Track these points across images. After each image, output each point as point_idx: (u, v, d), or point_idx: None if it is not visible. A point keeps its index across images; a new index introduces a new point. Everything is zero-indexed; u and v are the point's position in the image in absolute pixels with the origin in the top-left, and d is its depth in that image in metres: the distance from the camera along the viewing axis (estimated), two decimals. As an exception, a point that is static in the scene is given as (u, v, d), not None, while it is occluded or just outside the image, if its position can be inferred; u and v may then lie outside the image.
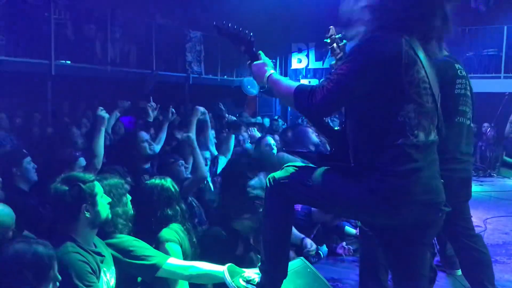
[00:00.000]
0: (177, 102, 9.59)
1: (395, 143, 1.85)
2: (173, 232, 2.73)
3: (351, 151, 1.98)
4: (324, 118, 2.27)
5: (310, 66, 14.34)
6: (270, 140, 5.00)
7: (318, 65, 14.12)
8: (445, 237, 3.35)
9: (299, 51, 14.42)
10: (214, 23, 2.30)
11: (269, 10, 10.99)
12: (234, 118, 7.86)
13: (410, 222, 1.95)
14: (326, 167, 2.05)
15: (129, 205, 2.63)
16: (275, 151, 4.74)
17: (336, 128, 2.17)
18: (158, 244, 2.64)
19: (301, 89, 1.97)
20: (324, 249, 4.29)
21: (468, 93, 2.93)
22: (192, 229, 3.00)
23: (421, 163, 1.88)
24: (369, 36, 1.92)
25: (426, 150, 1.93)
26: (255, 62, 2.20)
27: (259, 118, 10.80)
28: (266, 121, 10.59)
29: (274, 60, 9.98)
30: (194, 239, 2.94)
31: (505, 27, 10.54)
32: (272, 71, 2.15)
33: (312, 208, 4.11)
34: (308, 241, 3.96)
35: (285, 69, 14.52)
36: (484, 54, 10.98)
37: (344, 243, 4.44)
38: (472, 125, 2.97)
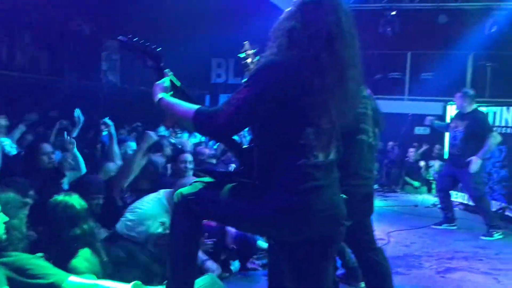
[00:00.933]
0: (91, 112, 9.24)
1: (297, 164, 1.92)
2: (83, 262, 2.61)
3: (256, 169, 2.03)
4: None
5: (229, 81, 14.48)
6: (188, 157, 4.86)
7: (238, 80, 14.31)
8: (348, 250, 3.51)
9: (219, 66, 14.52)
10: (119, 37, 2.24)
11: (189, 24, 10.97)
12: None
13: (313, 237, 2.02)
14: (234, 184, 2.08)
15: (24, 221, 2.47)
16: (190, 173, 4.56)
17: (244, 146, 2.20)
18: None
19: (200, 112, 1.96)
20: (236, 264, 4.31)
21: (369, 112, 3.09)
22: (101, 248, 2.89)
23: (322, 181, 1.97)
24: (270, 59, 1.96)
25: (327, 169, 2.02)
26: (156, 82, 2.16)
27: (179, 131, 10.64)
28: (185, 135, 10.47)
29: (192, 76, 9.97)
30: (105, 258, 2.84)
31: (409, 53, 11.38)
32: (163, 95, 2.11)
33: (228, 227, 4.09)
34: (212, 264, 3.83)
35: (205, 84, 14.53)
36: (390, 77, 11.75)
37: (255, 258, 4.48)
38: (373, 142, 3.12)
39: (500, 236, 5.93)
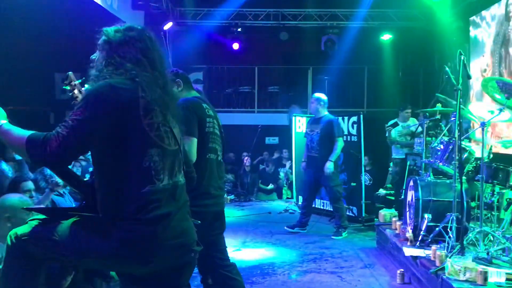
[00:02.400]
0: None
1: (142, 191, 1.88)
2: None
3: (99, 201, 1.95)
4: (71, 168, 2.17)
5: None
6: (28, 185, 4.44)
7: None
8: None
9: (63, 81, 13.62)
10: None
11: (29, 38, 10.13)
12: None
13: (164, 267, 1.99)
14: (74, 219, 1.96)
15: None
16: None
17: (85, 179, 2.09)
18: None
19: (33, 138, 1.82)
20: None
21: (217, 131, 3.17)
22: None
23: (170, 208, 1.95)
24: (105, 82, 1.92)
25: (174, 193, 2.00)
26: None
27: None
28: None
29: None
30: None
31: (256, 67, 11.97)
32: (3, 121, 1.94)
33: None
34: None
35: (51, 100, 13.51)
36: (241, 90, 12.23)
37: None
38: (221, 160, 3.22)
39: (346, 235, 6.54)
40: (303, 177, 7.26)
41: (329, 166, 6.50)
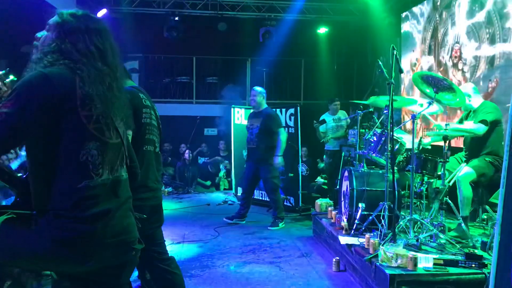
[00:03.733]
0: None
1: (78, 187, 1.79)
2: None
3: (32, 198, 1.83)
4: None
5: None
6: None
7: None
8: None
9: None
10: None
11: None
12: None
13: (103, 265, 1.90)
14: (5, 217, 1.84)
15: None
16: None
17: (19, 175, 1.96)
18: None
19: None
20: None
21: (154, 122, 3.09)
22: None
23: (110, 204, 1.86)
24: (38, 72, 1.80)
25: (115, 189, 1.92)
26: None
27: None
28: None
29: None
30: None
31: (194, 58, 11.82)
32: None
33: None
34: None
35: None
36: (179, 80, 12.04)
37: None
38: (159, 152, 3.15)
39: (283, 226, 6.64)
40: (245, 172, 7.29)
41: (278, 161, 6.60)
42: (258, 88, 6.98)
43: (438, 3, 7.59)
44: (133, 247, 1.99)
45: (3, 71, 2.18)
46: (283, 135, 6.69)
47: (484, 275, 3.66)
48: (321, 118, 8.33)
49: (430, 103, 4.57)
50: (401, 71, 4.52)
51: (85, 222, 1.78)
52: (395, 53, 4.38)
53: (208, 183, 10.46)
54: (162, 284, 3.07)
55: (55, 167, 1.79)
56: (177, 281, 3.07)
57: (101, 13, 9.39)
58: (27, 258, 1.83)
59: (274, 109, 7.20)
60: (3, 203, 2.44)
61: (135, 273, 3.94)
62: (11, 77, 2.16)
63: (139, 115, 2.95)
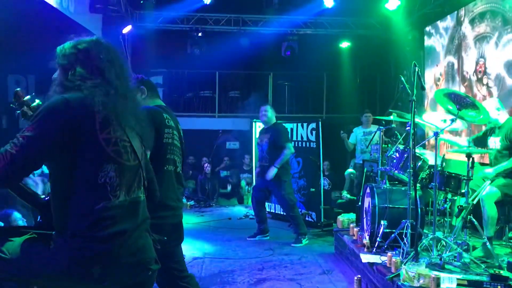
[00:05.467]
0: None
1: (96, 208, 1.83)
2: None
3: (53, 218, 1.89)
4: (25, 185, 2.10)
5: (31, 101, 13.20)
6: None
7: (41, 98, 13.12)
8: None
9: (17, 83, 13.16)
10: None
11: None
12: None
13: (120, 285, 1.94)
14: (27, 237, 1.91)
15: None
16: None
17: (42, 196, 2.03)
18: None
19: None
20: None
21: (176, 142, 3.13)
22: None
23: (126, 225, 1.90)
24: (60, 97, 1.87)
25: (132, 210, 1.96)
26: None
27: None
28: None
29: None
30: None
31: (217, 72, 11.95)
32: None
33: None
34: None
35: (4, 103, 13.04)
36: (201, 95, 12.17)
37: None
38: (180, 172, 3.18)
39: (307, 242, 6.59)
40: (256, 184, 7.25)
41: (272, 172, 6.51)
42: (266, 105, 7.00)
43: (462, 18, 7.51)
44: (149, 267, 2.02)
45: (29, 97, 2.25)
46: (288, 150, 6.59)
47: (510, 297, 3.57)
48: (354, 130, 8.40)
49: (453, 121, 4.51)
50: (422, 88, 4.48)
51: (101, 242, 1.82)
52: (417, 69, 4.34)
53: (229, 189, 10.49)
54: (182, 301, 3.09)
55: (74, 188, 1.84)
56: (197, 298, 3.09)
57: (127, 29, 9.60)
58: (44, 276, 1.88)
59: (283, 124, 7.17)
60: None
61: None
62: (37, 101, 2.24)
63: (161, 134, 3.00)
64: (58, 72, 1.98)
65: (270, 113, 6.82)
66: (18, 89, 2.33)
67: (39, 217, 2.06)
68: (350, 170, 8.93)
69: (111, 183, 1.87)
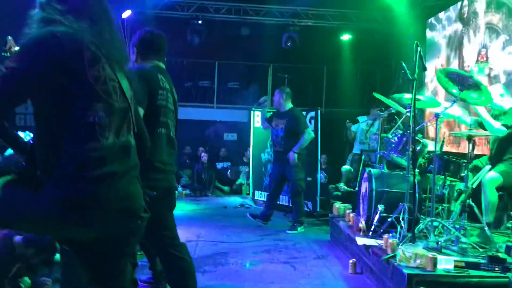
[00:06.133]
0: None
1: (84, 148, 1.74)
2: None
3: (37, 159, 1.80)
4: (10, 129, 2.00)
5: None
6: None
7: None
8: (153, 251, 3.40)
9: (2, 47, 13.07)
10: None
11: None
12: None
13: (106, 231, 1.84)
14: (8, 178, 1.81)
15: None
16: None
17: (27, 138, 1.94)
18: None
19: None
20: (27, 282, 3.82)
21: (170, 105, 3.03)
22: None
23: (116, 167, 1.81)
24: (46, 29, 1.78)
25: (122, 153, 1.86)
26: None
27: None
28: None
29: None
30: None
31: (216, 62, 11.84)
32: None
33: (16, 238, 3.63)
34: None
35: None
36: (200, 85, 12.06)
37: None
38: (173, 135, 3.08)
39: (302, 230, 6.49)
40: (271, 172, 7.14)
41: (292, 157, 6.39)
42: (280, 88, 6.90)
43: (465, 9, 7.44)
44: (139, 215, 1.93)
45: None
46: (308, 135, 6.49)
47: (507, 279, 3.49)
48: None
49: (454, 101, 4.42)
50: (424, 68, 4.38)
51: (89, 183, 1.73)
52: (419, 49, 4.26)
53: (227, 189, 10.39)
54: (172, 268, 3.01)
55: (61, 127, 1.75)
56: (187, 268, 2.99)
57: (126, 14, 9.49)
58: (30, 219, 1.79)
59: (299, 109, 7.04)
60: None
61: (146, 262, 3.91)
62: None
63: (154, 96, 2.91)
64: (37, 9, 1.87)
65: (286, 96, 6.67)
66: (9, 37, 2.25)
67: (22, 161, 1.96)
68: (348, 167, 8.80)
69: (100, 123, 1.78)
